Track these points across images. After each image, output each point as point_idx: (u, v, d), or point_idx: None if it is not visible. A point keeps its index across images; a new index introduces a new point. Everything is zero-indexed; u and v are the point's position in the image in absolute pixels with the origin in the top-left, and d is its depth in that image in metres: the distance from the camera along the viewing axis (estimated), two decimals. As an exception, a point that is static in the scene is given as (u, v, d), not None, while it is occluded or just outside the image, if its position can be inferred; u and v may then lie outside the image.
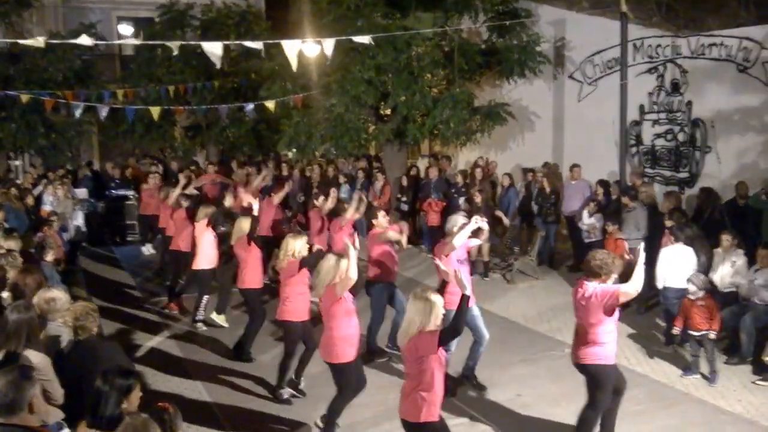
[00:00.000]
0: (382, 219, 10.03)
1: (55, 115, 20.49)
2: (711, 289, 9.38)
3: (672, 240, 10.11)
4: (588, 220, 12.67)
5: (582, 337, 6.82)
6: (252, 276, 10.00)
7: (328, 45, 11.42)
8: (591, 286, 6.64)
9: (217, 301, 11.57)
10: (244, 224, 9.98)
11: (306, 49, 12.86)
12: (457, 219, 8.82)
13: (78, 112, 16.77)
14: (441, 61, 16.28)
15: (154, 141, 22.20)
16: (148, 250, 17.11)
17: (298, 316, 8.51)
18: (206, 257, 11.41)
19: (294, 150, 17.54)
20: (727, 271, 9.88)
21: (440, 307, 5.73)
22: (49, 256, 10.41)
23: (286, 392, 8.59)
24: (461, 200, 14.14)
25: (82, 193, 18.60)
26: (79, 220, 15.77)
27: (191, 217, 12.03)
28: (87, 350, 6.01)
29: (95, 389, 4.71)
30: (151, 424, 4.24)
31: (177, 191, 13.23)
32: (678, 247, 9.95)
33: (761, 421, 7.80)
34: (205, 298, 11.48)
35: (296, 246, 8.40)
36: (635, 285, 6.49)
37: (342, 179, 17.02)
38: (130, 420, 4.26)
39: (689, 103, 14.09)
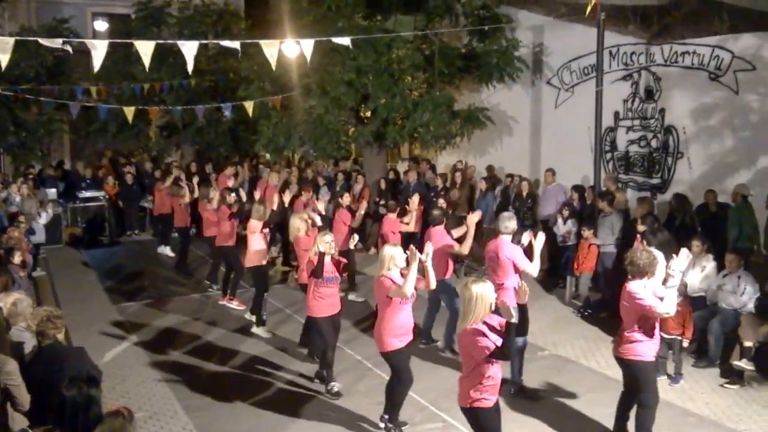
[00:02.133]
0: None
1: (25, 112, 20.23)
2: (686, 295, 9.63)
3: (644, 245, 10.29)
4: (563, 227, 12.84)
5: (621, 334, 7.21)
6: None
7: (307, 45, 11.46)
8: (634, 287, 7.01)
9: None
10: (299, 223, 10.13)
11: (285, 49, 12.91)
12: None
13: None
14: (421, 64, 16.39)
15: (127, 140, 21.96)
16: (164, 251, 17.07)
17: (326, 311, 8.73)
18: (260, 254, 11.62)
19: (271, 151, 17.53)
20: (697, 276, 10.08)
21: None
22: (16, 258, 10.35)
23: (336, 385, 8.79)
24: (440, 200, 14.22)
25: (51, 193, 18.47)
26: (43, 220, 15.65)
27: (236, 215, 12.31)
28: (51, 356, 5.92)
29: (62, 397, 4.68)
30: (128, 425, 4.24)
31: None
32: (650, 251, 10.12)
33: (727, 424, 7.98)
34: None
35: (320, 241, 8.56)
36: (666, 307, 6.89)
37: (321, 181, 17.04)
38: (108, 423, 4.23)
39: (662, 110, 14.32)
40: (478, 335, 5.67)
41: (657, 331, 7.13)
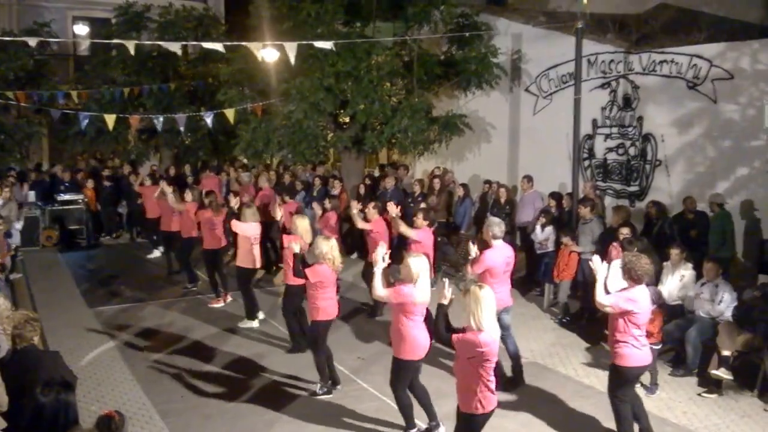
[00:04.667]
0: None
1: (4, 115, 20.10)
2: (661, 303, 9.64)
3: (621, 252, 10.32)
4: (541, 234, 12.82)
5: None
6: None
7: (290, 49, 11.48)
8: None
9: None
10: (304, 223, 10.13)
11: (266, 54, 12.92)
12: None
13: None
14: (400, 70, 16.44)
15: (106, 144, 21.83)
16: (152, 253, 17.16)
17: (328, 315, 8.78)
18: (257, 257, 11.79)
19: (250, 156, 17.48)
20: (675, 284, 10.10)
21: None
22: (-7, 261, 10.28)
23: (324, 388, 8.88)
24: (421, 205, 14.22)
25: (30, 196, 18.36)
26: (19, 225, 15.49)
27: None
28: (26, 360, 5.82)
29: (37, 400, 4.63)
30: None
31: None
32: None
33: (704, 432, 7.99)
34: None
35: (324, 248, 8.55)
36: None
37: (299, 186, 17.00)
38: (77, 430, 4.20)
39: (640, 118, 14.40)
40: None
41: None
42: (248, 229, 11.55)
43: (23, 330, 5.86)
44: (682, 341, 9.57)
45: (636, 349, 7.08)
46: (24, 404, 5.30)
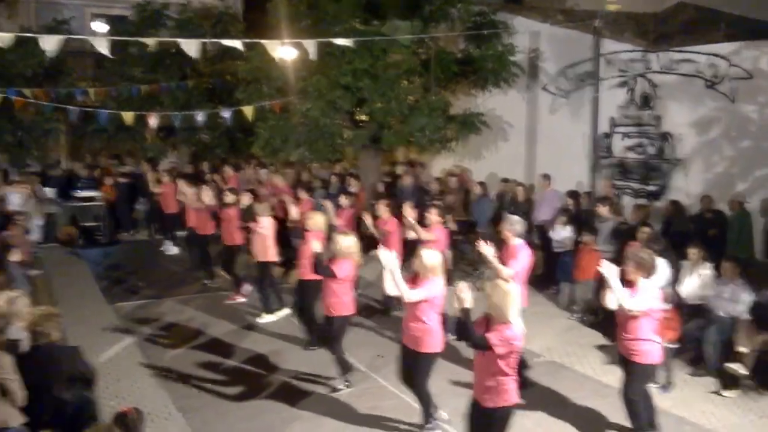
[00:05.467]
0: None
1: (22, 112, 20.21)
2: (677, 303, 9.63)
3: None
4: (561, 233, 12.81)
5: None
6: None
7: (309, 46, 11.58)
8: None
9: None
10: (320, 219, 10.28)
11: (283, 52, 12.98)
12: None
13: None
14: (417, 68, 16.42)
15: (124, 141, 21.97)
16: (170, 249, 17.19)
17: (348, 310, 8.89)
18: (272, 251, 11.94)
19: (268, 153, 17.54)
20: (695, 283, 10.06)
21: None
22: (15, 257, 10.34)
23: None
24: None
25: (48, 193, 18.49)
26: (39, 220, 15.61)
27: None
28: (46, 356, 5.87)
29: (55, 397, 4.65)
30: (114, 429, 4.21)
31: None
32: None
33: (722, 432, 7.97)
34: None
35: (346, 243, 8.65)
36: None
37: (317, 183, 17.04)
38: (95, 428, 4.21)
39: (658, 117, 14.36)
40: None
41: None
42: (265, 224, 11.67)
43: (44, 326, 5.91)
44: (701, 341, 9.54)
45: (656, 345, 7.13)
46: (44, 400, 5.35)
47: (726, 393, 8.95)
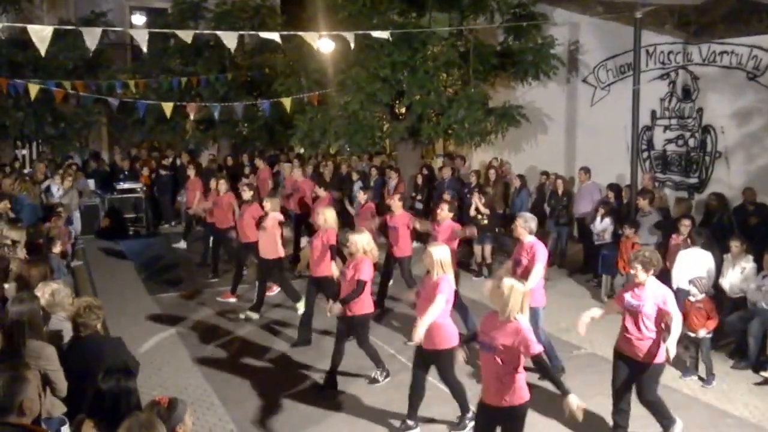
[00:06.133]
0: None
1: (64, 104, 20.48)
2: (713, 293, 9.63)
3: (689, 243, 10.33)
4: (600, 225, 12.83)
5: None
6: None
7: (349, 38, 11.68)
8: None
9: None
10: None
11: (322, 44, 13.07)
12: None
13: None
14: (456, 61, 16.44)
15: (164, 133, 22.27)
16: (181, 245, 17.24)
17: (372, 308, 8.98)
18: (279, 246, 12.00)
19: (307, 146, 17.66)
20: (737, 276, 10.05)
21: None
22: (57, 248, 10.50)
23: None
24: (475, 196, 14.24)
25: (89, 184, 18.75)
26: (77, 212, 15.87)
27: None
28: (89, 347, 5.91)
29: (97, 388, 4.65)
30: (155, 419, 4.16)
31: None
32: (696, 250, 10.18)
33: (767, 426, 7.91)
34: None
35: (361, 242, 8.68)
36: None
37: (355, 176, 17.11)
38: (135, 417, 4.15)
39: (700, 110, 14.27)
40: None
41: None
42: (272, 220, 11.74)
43: (88, 317, 5.93)
44: (744, 333, 9.53)
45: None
46: (86, 390, 5.30)
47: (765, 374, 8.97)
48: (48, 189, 16.19)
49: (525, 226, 8.94)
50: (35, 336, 5.85)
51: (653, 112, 15.08)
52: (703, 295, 9.15)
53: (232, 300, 12.59)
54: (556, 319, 11.48)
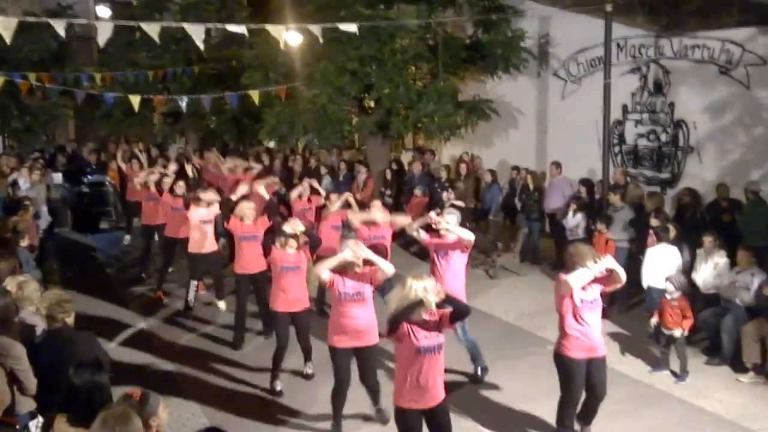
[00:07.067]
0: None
1: (30, 97, 20.17)
2: (690, 292, 9.53)
3: (656, 240, 10.23)
4: (573, 220, 12.72)
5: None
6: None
7: (316, 31, 11.52)
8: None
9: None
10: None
11: (289, 37, 12.87)
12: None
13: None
14: (425, 54, 16.24)
15: (131, 126, 21.93)
16: (127, 239, 16.99)
17: None
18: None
19: (276, 140, 17.47)
20: (710, 272, 9.99)
21: None
22: (24, 241, 10.36)
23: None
24: (444, 194, 14.10)
25: (57, 178, 18.42)
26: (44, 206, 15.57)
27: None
28: (61, 341, 5.90)
29: (71, 381, 4.62)
30: (131, 412, 4.14)
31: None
32: (663, 247, 10.08)
33: (741, 422, 7.90)
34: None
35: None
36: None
37: (324, 170, 16.93)
38: (110, 410, 4.14)
39: (672, 104, 14.19)
40: None
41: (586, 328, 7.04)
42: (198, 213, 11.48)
43: (58, 311, 5.92)
44: (717, 330, 9.47)
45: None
46: (58, 384, 5.33)
47: (743, 378, 8.94)
48: (15, 183, 15.88)
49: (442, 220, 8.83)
50: (6, 332, 5.80)
51: (624, 107, 14.97)
52: (680, 293, 9.05)
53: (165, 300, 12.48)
54: (529, 314, 11.44)
